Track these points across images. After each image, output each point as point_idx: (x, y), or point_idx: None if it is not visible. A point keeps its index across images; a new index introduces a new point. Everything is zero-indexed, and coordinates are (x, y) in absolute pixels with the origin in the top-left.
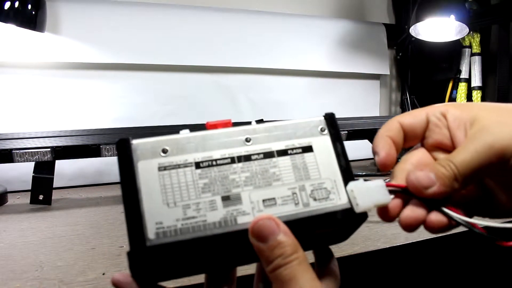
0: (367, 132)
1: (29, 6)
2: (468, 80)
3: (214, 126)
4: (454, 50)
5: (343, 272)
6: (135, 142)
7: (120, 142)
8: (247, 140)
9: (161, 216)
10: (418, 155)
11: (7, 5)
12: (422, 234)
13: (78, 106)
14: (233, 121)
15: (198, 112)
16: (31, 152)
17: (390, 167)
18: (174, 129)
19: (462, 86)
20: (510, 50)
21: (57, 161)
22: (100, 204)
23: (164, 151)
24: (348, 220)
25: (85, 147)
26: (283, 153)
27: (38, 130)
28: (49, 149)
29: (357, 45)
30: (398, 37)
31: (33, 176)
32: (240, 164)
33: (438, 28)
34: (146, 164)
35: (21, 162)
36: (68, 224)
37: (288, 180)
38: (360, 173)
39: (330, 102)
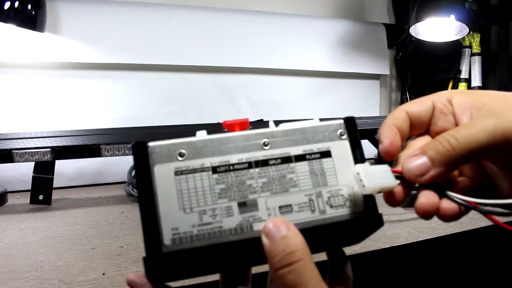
0: (367, 132)
1: (29, 6)
2: (468, 80)
3: (231, 125)
4: (454, 50)
5: None
6: (151, 144)
7: (136, 145)
8: (265, 144)
9: (177, 221)
10: (423, 141)
11: (7, 5)
12: (422, 234)
13: (78, 106)
14: None
15: (198, 112)
16: (31, 152)
17: (394, 155)
18: (174, 129)
19: (462, 86)
20: (510, 50)
21: (57, 161)
22: (100, 204)
23: (181, 154)
24: (364, 227)
25: (85, 147)
26: (301, 158)
27: (38, 130)
28: (49, 149)
29: (357, 45)
30: (398, 37)
31: (33, 176)
32: (257, 169)
33: (438, 28)
34: (163, 168)
35: (21, 162)
36: (68, 224)
37: (305, 186)
38: None
39: (330, 102)
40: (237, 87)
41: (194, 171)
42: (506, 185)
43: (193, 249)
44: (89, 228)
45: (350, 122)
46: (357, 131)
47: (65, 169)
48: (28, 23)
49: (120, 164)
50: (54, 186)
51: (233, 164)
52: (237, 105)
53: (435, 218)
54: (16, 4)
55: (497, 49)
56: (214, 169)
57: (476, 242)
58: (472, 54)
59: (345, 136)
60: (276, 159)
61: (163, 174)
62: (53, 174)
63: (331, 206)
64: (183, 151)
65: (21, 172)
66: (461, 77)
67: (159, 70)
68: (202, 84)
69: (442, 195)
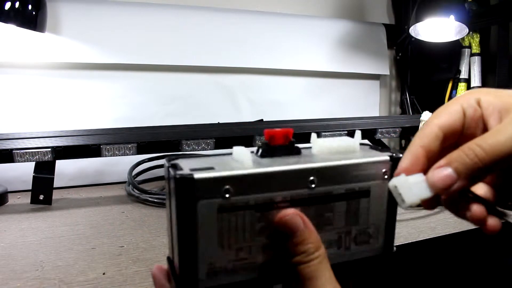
0: (367, 132)
1: (30, 6)
2: (467, 80)
3: (273, 134)
4: (453, 50)
5: None
6: (197, 178)
7: (182, 180)
8: (312, 182)
9: (214, 257)
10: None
11: (7, 5)
12: (422, 234)
13: (78, 106)
14: (233, 121)
15: (198, 112)
16: (32, 152)
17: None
18: (174, 129)
19: (462, 86)
20: (509, 50)
21: (57, 161)
22: (100, 204)
23: (227, 191)
24: (382, 262)
25: (85, 147)
26: (341, 197)
27: (38, 130)
28: (49, 149)
29: (357, 45)
30: (398, 37)
31: (33, 176)
32: (299, 208)
33: (437, 28)
34: (207, 204)
35: (22, 162)
36: (68, 224)
37: (339, 224)
38: None
39: (330, 102)
40: (237, 87)
41: (237, 208)
42: None
43: (227, 285)
44: (89, 228)
45: (395, 162)
46: None
47: (65, 169)
48: (28, 23)
49: (120, 164)
50: (54, 186)
51: (277, 202)
52: (237, 105)
53: (434, 218)
54: (17, 4)
55: (496, 49)
56: (258, 207)
57: (476, 242)
58: (472, 54)
59: (387, 177)
60: (318, 198)
61: (206, 210)
62: (53, 174)
63: (356, 243)
64: (229, 187)
65: (21, 172)
66: (460, 77)
67: (159, 70)
68: (202, 84)
69: (490, 211)
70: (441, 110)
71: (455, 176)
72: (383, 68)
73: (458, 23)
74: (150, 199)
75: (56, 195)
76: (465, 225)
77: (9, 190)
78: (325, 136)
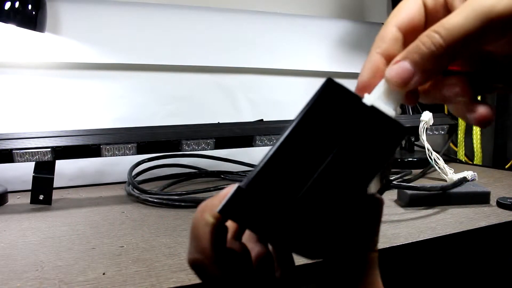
0: None
1: (29, 6)
2: None
3: None
4: None
5: None
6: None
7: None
8: None
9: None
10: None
11: (7, 5)
12: (422, 234)
13: (78, 106)
14: (233, 121)
15: (198, 112)
16: (32, 152)
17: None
18: (174, 129)
19: None
20: None
21: (57, 161)
22: (100, 204)
23: None
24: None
25: (85, 147)
26: None
27: (38, 130)
28: (49, 149)
29: (357, 45)
30: None
31: (33, 176)
32: None
33: None
34: None
35: (22, 162)
36: (68, 224)
37: None
38: None
39: None
40: (237, 87)
41: None
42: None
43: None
44: (89, 228)
45: None
46: None
47: (65, 169)
48: (28, 23)
49: (120, 164)
50: (54, 186)
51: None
52: (237, 105)
53: (434, 218)
54: (17, 4)
55: None
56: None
57: (476, 242)
58: None
59: None
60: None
61: None
62: (53, 174)
63: None
64: None
65: (21, 172)
66: None
67: (159, 70)
68: (202, 84)
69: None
70: (397, 7)
71: (412, 69)
72: None
73: None
74: (150, 199)
75: (56, 195)
76: (465, 225)
77: (9, 190)
78: None
